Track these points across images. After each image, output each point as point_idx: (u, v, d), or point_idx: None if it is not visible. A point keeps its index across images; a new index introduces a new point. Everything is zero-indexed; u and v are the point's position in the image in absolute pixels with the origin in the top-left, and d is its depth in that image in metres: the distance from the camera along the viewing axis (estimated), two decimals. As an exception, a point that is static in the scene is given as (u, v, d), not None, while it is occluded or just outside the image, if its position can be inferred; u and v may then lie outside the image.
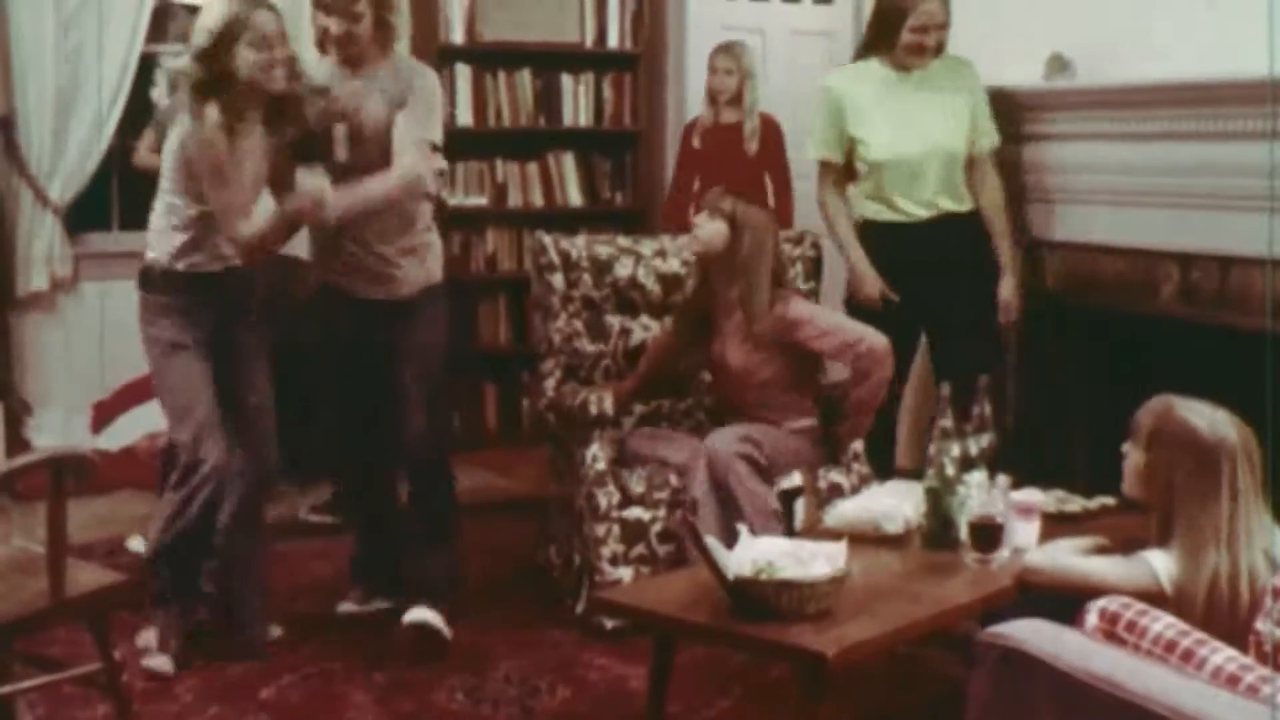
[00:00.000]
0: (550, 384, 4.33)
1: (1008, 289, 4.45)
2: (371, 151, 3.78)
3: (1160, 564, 2.72)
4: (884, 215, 4.44)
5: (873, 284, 4.38)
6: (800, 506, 3.37)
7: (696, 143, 5.63)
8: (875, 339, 3.96)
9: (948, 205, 4.43)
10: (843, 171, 4.49)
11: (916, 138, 4.37)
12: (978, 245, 4.45)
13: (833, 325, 4.06)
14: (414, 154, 3.76)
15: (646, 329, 4.45)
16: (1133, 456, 2.85)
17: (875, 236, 4.44)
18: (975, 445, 3.28)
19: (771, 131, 5.62)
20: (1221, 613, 2.62)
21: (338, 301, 3.94)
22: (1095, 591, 2.68)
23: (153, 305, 3.75)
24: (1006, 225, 4.49)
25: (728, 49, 5.63)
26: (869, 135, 4.39)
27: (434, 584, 3.93)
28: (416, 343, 3.91)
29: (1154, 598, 2.67)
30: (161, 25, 5.74)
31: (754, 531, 3.09)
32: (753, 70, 5.63)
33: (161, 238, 3.72)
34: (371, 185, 3.74)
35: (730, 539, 2.98)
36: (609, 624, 3.89)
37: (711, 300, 4.16)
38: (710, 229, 4.04)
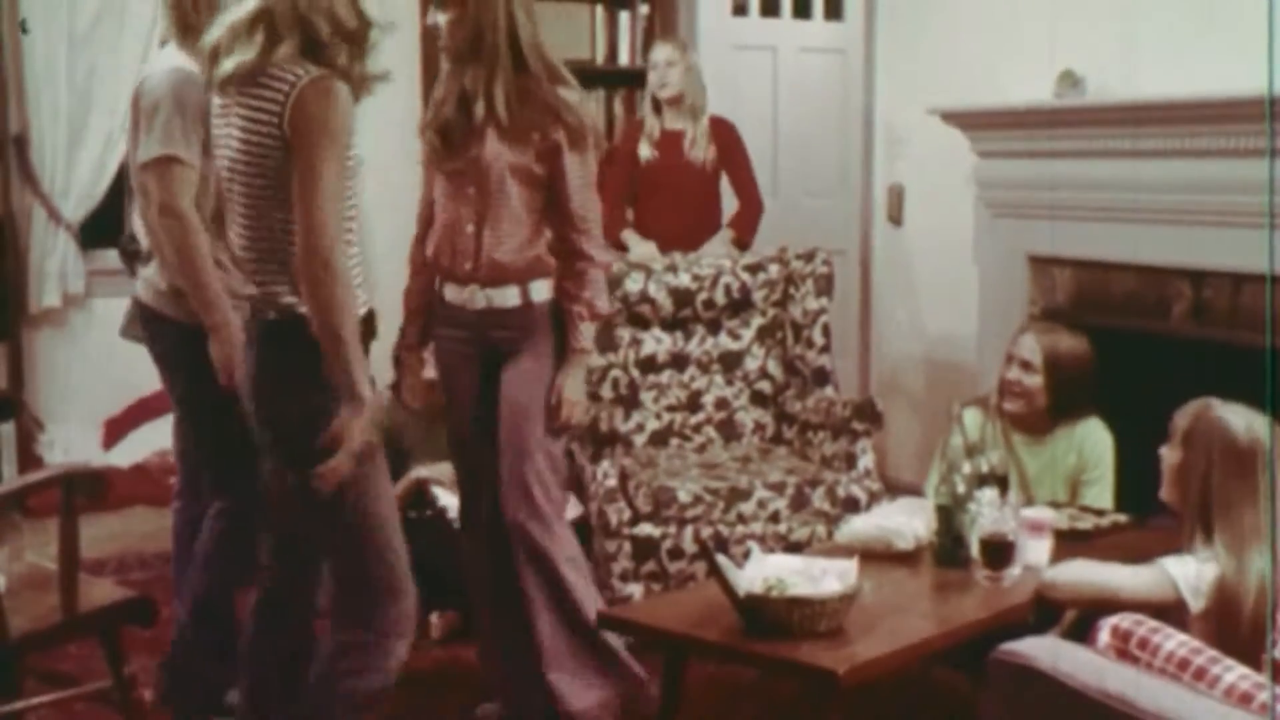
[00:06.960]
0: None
1: None
2: None
3: (1178, 571, 2.72)
4: None
5: None
6: None
7: (647, 153, 5.09)
8: None
9: None
10: None
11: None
12: None
13: None
14: None
15: (659, 341, 4.45)
16: (1168, 457, 2.85)
17: None
18: (986, 462, 3.28)
19: (725, 133, 5.14)
20: (1261, 615, 2.61)
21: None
22: (1114, 601, 2.67)
23: None
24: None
25: (666, 39, 5.29)
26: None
27: None
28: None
29: (1172, 606, 2.67)
30: (174, 43, 5.76)
31: None
32: (698, 66, 5.13)
33: None
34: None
35: None
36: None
37: None
38: None
